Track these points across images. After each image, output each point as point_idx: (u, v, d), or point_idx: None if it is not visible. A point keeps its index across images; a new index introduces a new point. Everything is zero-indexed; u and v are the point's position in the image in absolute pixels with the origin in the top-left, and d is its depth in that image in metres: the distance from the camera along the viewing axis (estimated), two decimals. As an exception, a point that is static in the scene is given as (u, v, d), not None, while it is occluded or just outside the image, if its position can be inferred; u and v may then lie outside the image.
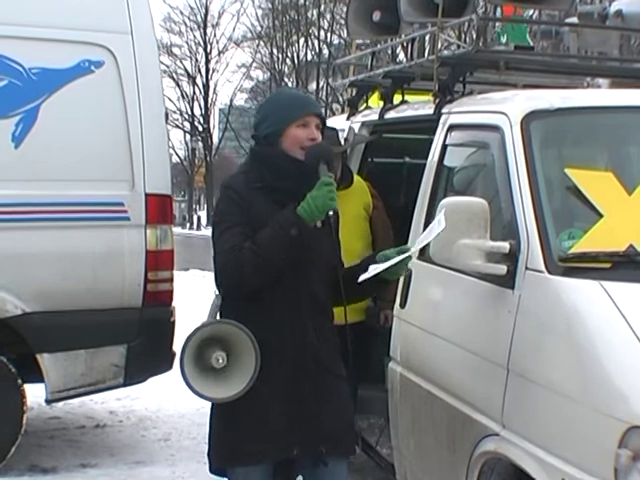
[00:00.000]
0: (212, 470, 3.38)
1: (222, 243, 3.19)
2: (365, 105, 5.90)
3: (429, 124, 4.43)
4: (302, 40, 42.86)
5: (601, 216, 3.23)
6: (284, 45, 43.97)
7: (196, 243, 29.25)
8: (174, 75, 47.29)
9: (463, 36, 19.82)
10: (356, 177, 5.14)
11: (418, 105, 4.99)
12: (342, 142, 5.20)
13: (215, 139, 51.27)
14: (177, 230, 15.46)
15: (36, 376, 5.37)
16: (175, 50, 47.57)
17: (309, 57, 42.71)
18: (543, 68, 4.85)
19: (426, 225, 3.88)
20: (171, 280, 5.74)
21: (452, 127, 4.22)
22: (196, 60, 48.23)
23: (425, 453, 3.96)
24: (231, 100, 49.97)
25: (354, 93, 6.02)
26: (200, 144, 49.32)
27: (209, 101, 48.85)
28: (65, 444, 6.14)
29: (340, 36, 37.71)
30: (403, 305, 4.18)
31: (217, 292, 3.29)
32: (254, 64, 46.77)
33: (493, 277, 3.33)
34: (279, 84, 41.93)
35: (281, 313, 3.21)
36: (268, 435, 3.19)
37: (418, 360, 4.00)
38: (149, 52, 5.72)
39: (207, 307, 3.33)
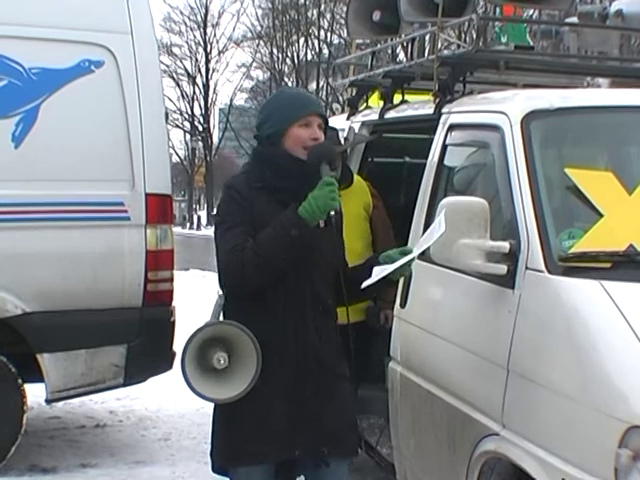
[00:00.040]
0: (214, 470, 3.38)
1: (224, 243, 3.19)
2: (365, 105, 5.89)
3: (429, 124, 4.43)
4: (302, 40, 42.82)
5: (601, 216, 3.23)
6: (284, 45, 43.93)
7: (196, 243, 29.27)
8: (174, 75, 47.36)
9: (463, 36, 19.81)
10: (356, 177, 5.14)
11: (418, 105, 4.98)
12: (342, 142, 5.20)
13: (215, 139, 51.29)
14: (177, 230, 15.44)
15: (36, 376, 5.37)
16: (175, 50, 47.70)
17: (309, 57, 42.66)
18: (543, 68, 4.85)
19: (426, 225, 3.88)
20: (171, 280, 5.74)
21: (452, 127, 4.21)
22: (196, 60, 48.32)
23: (425, 453, 3.95)
24: (231, 100, 50.02)
25: (354, 93, 6.01)
26: (200, 144, 49.32)
27: (209, 101, 48.93)
28: (65, 444, 6.13)
29: (340, 36, 37.69)
30: (403, 305, 4.17)
31: (220, 292, 3.30)
32: (254, 64, 46.88)
33: (493, 277, 3.33)
34: (279, 84, 41.86)
35: (284, 313, 3.21)
36: (270, 435, 3.19)
37: (418, 360, 4.00)
38: (149, 52, 5.71)
39: (208, 307, 3.34)
